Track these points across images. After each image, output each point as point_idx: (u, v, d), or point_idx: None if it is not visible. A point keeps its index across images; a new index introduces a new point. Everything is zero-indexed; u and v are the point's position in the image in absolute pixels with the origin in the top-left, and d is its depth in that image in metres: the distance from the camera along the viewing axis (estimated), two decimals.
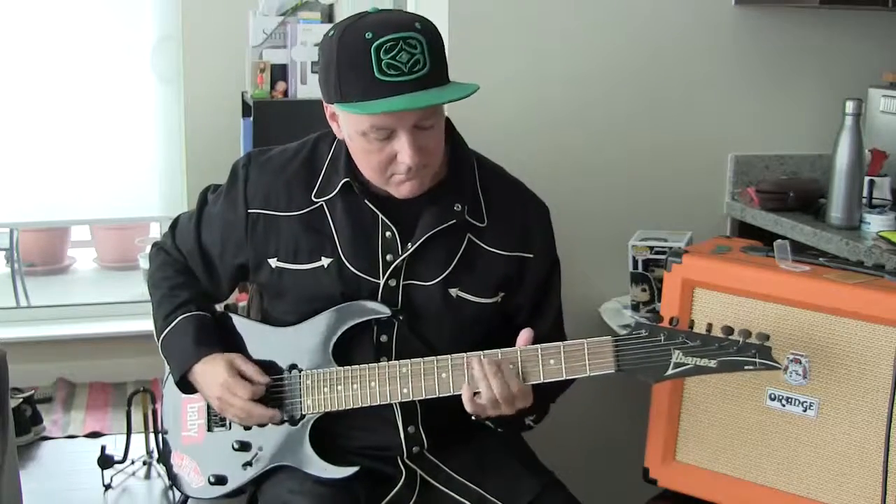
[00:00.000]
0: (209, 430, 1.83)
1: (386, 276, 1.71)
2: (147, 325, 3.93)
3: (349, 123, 1.63)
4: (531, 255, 1.77)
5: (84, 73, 4.13)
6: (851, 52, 2.65)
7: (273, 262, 1.75)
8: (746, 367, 1.53)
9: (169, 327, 1.79)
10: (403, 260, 1.70)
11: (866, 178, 2.30)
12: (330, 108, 1.67)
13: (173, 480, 1.88)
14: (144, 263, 4.98)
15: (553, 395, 1.79)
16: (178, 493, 1.89)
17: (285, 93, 3.63)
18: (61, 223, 5.11)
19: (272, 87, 3.61)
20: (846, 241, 2.19)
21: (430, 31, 1.58)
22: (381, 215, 1.70)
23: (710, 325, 1.55)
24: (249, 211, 1.76)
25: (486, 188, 1.77)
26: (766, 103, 2.65)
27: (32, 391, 3.76)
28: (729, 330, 1.54)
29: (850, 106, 2.23)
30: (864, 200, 2.30)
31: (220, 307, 1.91)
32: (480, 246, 1.74)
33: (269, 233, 1.75)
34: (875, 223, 2.24)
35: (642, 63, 2.56)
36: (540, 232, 1.80)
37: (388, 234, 1.71)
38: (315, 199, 1.73)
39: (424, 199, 1.69)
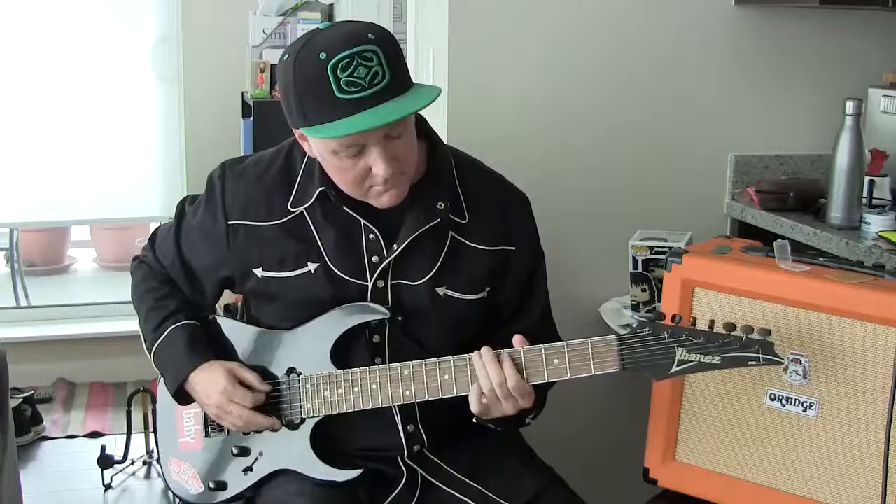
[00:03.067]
0: (206, 435, 1.81)
1: (374, 278, 1.70)
2: None
3: (318, 144, 1.62)
4: (514, 248, 1.77)
5: (84, 73, 4.13)
6: (851, 52, 2.65)
7: (259, 272, 1.74)
8: (750, 363, 1.53)
9: (160, 339, 1.78)
10: (389, 262, 1.70)
11: (866, 178, 2.30)
12: (298, 130, 1.65)
13: (172, 488, 1.85)
14: None
15: (548, 387, 1.79)
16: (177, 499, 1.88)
17: None
18: (61, 223, 5.11)
19: (272, 87, 3.62)
20: (846, 241, 2.19)
21: (384, 40, 1.55)
22: (361, 220, 1.70)
23: (712, 322, 1.56)
24: (229, 223, 1.75)
25: (465, 183, 1.76)
26: (766, 103, 2.65)
27: (32, 391, 3.76)
28: (731, 326, 1.54)
29: (850, 106, 2.23)
30: (864, 200, 2.30)
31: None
32: (464, 243, 1.73)
33: (250, 243, 1.74)
34: (875, 223, 2.24)
35: (642, 63, 2.56)
36: (521, 224, 1.80)
37: (371, 236, 1.70)
38: (292, 209, 1.72)
39: (406, 198, 1.68)
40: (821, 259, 1.73)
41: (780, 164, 2.67)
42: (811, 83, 2.65)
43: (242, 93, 3.90)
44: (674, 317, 1.58)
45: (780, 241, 1.74)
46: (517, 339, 1.62)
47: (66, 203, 4.25)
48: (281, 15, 3.68)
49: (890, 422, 1.58)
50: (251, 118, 3.55)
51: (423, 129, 1.74)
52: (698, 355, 1.55)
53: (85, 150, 4.18)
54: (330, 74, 1.51)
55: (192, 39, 4.13)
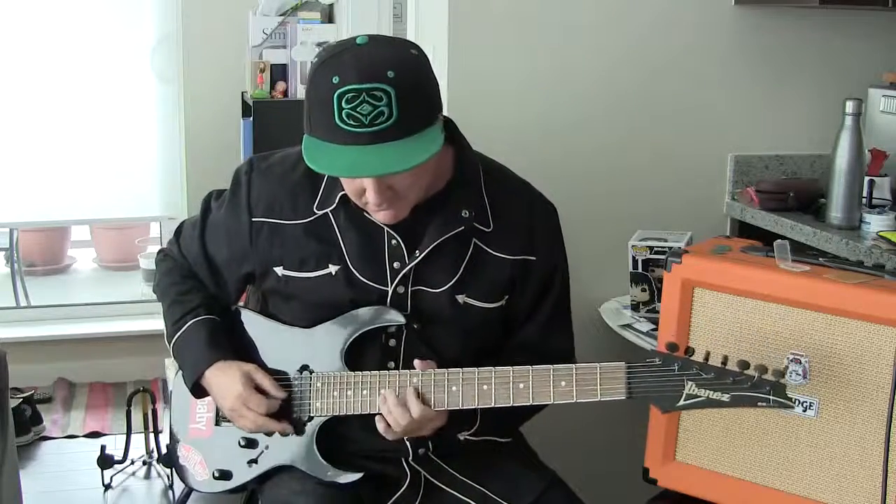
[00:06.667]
0: (217, 423, 1.82)
1: (394, 284, 1.70)
2: (147, 324, 3.93)
3: None
4: (534, 258, 1.76)
5: (84, 74, 4.13)
6: (851, 52, 2.65)
7: (279, 271, 1.74)
8: (759, 404, 1.51)
9: (179, 332, 1.79)
10: (411, 268, 1.69)
11: (866, 178, 2.30)
12: None
13: (178, 471, 1.87)
14: (144, 263, 4.99)
15: (524, 417, 1.80)
16: (177, 491, 1.88)
17: (285, 93, 3.63)
18: (61, 223, 5.10)
19: (272, 87, 3.62)
20: (846, 241, 2.19)
21: (404, 79, 1.50)
22: (384, 225, 1.69)
23: (725, 358, 1.53)
24: (253, 219, 1.75)
25: (492, 191, 1.74)
26: (766, 103, 2.65)
27: (32, 391, 3.77)
28: (745, 364, 1.51)
29: (850, 106, 2.23)
30: (864, 200, 2.30)
31: None
32: (486, 251, 1.72)
33: (273, 241, 1.74)
34: (875, 223, 2.24)
35: (643, 63, 2.56)
36: (544, 234, 1.78)
37: (393, 241, 1.69)
38: (317, 210, 1.72)
39: (431, 204, 1.68)
40: (821, 259, 1.73)
41: (780, 164, 2.67)
42: (811, 83, 2.65)
43: (242, 93, 3.90)
44: (687, 349, 1.56)
45: (780, 241, 1.74)
46: (418, 364, 1.64)
47: (66, 203, 4.25)
48: (281, 15, 3.68)
49: (890, 422, 1.58)
50: (251, 118, 3.55)
51: (452, 135, 1.72)
52: (707, 391, 1.52)
53: (85, 150, 4.18)
54: (335, 101, 1.50)
55: (192, 39, 4.13)
